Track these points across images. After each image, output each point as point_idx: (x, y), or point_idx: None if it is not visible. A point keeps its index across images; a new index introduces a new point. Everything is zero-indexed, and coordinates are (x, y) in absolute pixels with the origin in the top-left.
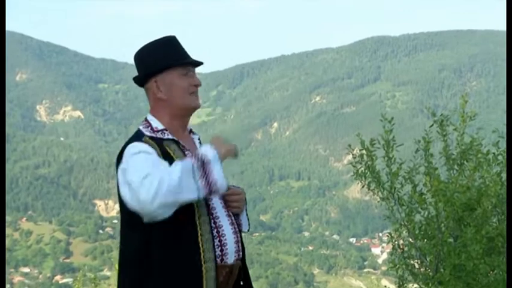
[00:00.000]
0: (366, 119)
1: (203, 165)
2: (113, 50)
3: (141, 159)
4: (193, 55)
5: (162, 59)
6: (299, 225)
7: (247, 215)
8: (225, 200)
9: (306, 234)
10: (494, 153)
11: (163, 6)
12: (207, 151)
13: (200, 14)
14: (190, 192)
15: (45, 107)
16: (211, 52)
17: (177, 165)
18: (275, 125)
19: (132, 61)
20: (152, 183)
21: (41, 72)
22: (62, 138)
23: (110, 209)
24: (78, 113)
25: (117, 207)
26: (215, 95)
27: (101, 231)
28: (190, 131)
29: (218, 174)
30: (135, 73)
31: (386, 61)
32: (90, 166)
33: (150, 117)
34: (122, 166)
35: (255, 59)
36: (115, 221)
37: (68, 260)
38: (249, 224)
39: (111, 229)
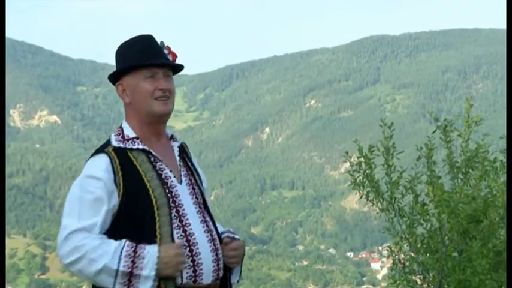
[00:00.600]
0: (364, 124)
1: (131, 276)
2: (93, 49)
3: (83, 198)
4: (178, 56)
5: (126, 60)
6: (292, 238)
7: (241, 266)
8: (224, 254)
9: (300, 247)
10: (501, 161)
11: (147, 3)
12: (147, 265)
13: (186, 11)
14: (103, 284)
15: (19, 111)
16: (199, 52)
17: (105, 255)
18: (267, 130)
19: (112, 62)
20: (74, 251)
21: (14, 74)
22: (37, 145)
23: None
24: (54, 118)
25: None
26: (202, 98)
27: None
28: (171, 137)
29: None
30: None
31: (385, 62)
32: (68, 175)
33: (124, 124)
34: (75, 182)
35: (246, 59)
36: None
37: (43, 276)
38: (240, 274)
39: None
